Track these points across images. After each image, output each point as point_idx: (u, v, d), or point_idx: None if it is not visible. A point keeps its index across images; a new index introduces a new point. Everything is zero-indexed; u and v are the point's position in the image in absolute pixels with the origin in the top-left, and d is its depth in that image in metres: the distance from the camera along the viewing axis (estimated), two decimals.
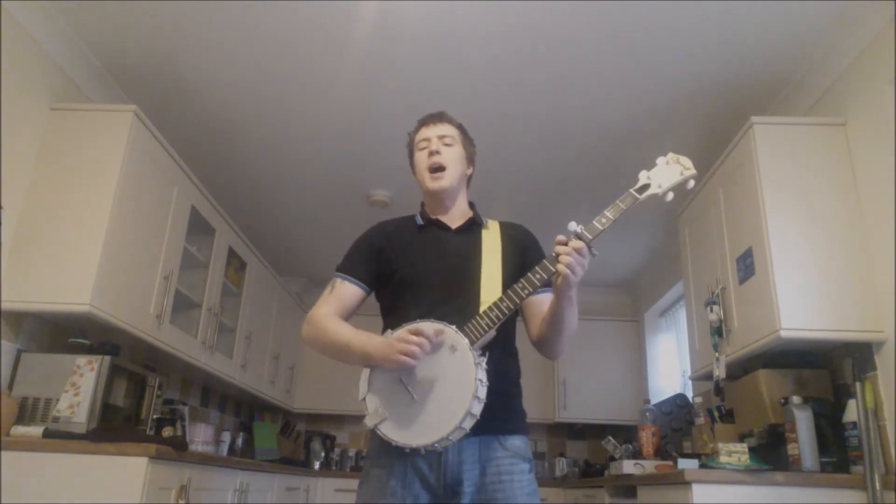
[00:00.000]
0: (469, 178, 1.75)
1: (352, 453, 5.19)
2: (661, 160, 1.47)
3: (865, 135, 2.39)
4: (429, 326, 1.40)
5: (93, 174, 2.54)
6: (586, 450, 5.28)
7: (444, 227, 1.67)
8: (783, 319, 2.29)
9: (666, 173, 1.45)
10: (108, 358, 2.48)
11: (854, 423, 2.19)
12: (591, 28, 2.49)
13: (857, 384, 2.21)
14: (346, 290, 1.61)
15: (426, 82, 2.86)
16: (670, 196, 1.44)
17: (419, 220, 1.70)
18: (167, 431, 2.80)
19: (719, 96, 2.87)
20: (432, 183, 1.64)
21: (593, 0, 2.36)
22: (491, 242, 1.63)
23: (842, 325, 2.29)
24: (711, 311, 2.76)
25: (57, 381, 2.41)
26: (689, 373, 3.35)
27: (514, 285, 1.41)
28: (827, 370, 2.50)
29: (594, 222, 1.38)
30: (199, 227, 3.39)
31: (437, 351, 1.38)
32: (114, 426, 2.37)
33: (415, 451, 1.37)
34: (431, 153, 1.65)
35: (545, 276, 1.39)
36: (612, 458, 3.63)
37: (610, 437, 3.73)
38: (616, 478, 3.33)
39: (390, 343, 1.38)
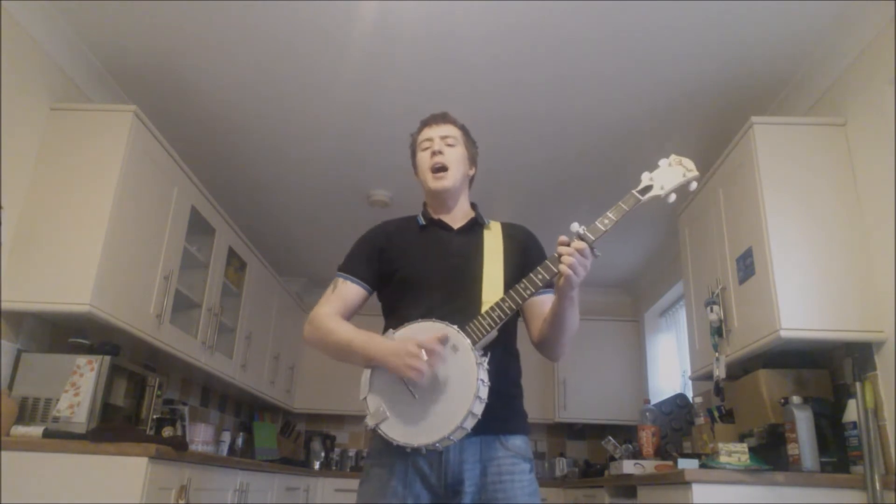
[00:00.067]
0: (471, 179, 1.76)
1: (352, 453, 5.19)
2: (663, 162, 1.47)
3: (865, 135, 2.39)
4: (431, 329, 1.40)
5: (93, 174, 2.54)
6: (586, 450, 5.28)
7: (446, 228, 1.67)
8: (783, 319, 2.29)
9: (668, 175, 1.45)
10: (108, 358, 2.48)
11: (854, 423, 2.19)
12: (591, 28, 2.49)
13: (857, 384, 2.21)
14: (349, 290, 1.61)
15: (426, 82, 2.86)
16: (672, 197, 1.45)
17: (421, 221, 1.70)
18: (167, 431, 2.80)
19: (719, 96, 2.87)
20: (434, 183, 1.64)
21: (593, 0, 2.36)
22: (493, 243, 1.63)
23: (842, 325, 2.29)
24: (711, 311, 2.76)
25: (57, 381, 2.41)
26: (689, 373, 3.35)
27: (517, 285, 1.41)
28: (827, 370, 2.50)
29: (596, 223, 1.38)
30: (199, 227, 3.39)
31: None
32: (114, 426, 2.37)
33: (416, 451, 1.37)
34: (434, 153, 1.65)
35: (547, 277, 1.39)
36: (612, 458, 3.63)
37: (610, 437, 3.73)
38: (616, 478, 3.33)
39: (397, 352, 1.38)
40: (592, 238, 1.36)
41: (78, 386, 2.40)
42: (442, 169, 1.64)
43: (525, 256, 1.63)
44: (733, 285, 2.68)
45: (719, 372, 2.66)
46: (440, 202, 1.69)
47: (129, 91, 3.00)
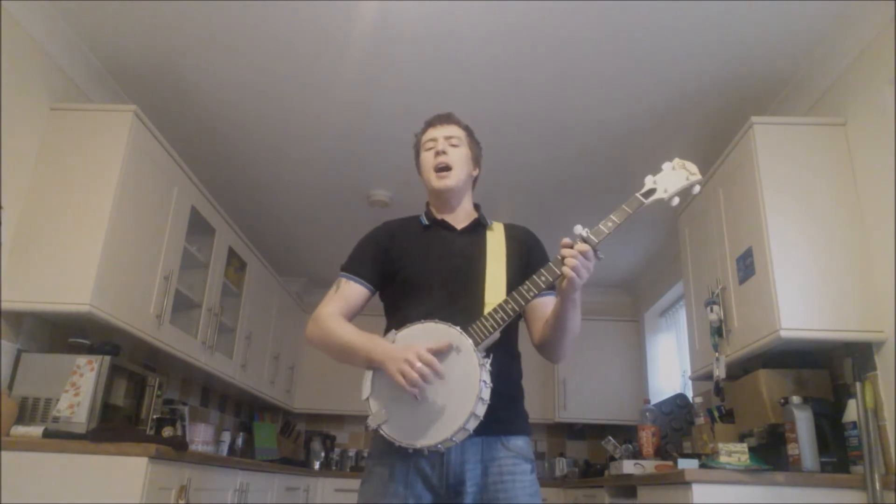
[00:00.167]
0: (475, 180, 1.76)
1: (352, 453, 5.19)
2: (666, 165, 1.48)
3: (865, 135, 2.39)
4: (434, 330, 1.40)
5: (93, 174, 2.54)
6: (586, 450, 5.28)
7: (449, 228, 1.67)
8: (783, 319, 2.29)
9: (672, 178, 1.46)
10: (108, 358, 2.48)
11: (854, 423, 2.19)
12: (591, 28, 2.49)
13: (857, 384, 2.21)
14: (352, 290, 1.61)
15: (426, 82, 2.86)
16: (676, 201, 1.45)
17: (424, 221, 1.70)
18: (167, 431, 2.80)
19: (719, 96, 2.87)
20: (438, 182, 1.65)
21: (593, 0, 2.36)
22: (495, 244, 1.64)
23: (842, 325, 2.29)
24: (711, 311, 2.76)
25: (57, 381, 2.41)
26: (689, 373, 3.35)
27: (520, 287, 1.41)
28: (827, 370, 2.50)
29: (600, 226, 1.39)
30: (199, 227, 3.39)
31: (441, 353, 1.38)
32: (114, 426, 2.37)
33: (418, 452, 1.37)
34: (438, 153, 1.65)
35: (550, 279, 1.40)
36: (612, 458, 3.63)
37: (610, 437, 3.73)
38: (616, 478, 3.33)
39: (395, 357, 1.37)
40: (596, 241, 1.37)
41: (78, 386, 2.40)
42: (445, 168, 1.64)
43: (528, 257, 1.63)
44: (733, 285, 2.68)
45: (719, 372, 2.66)
46: (443, 202, 1.69)
47: (129, 91, 3.00)
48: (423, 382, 1.33)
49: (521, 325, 1.63)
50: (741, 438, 2.54)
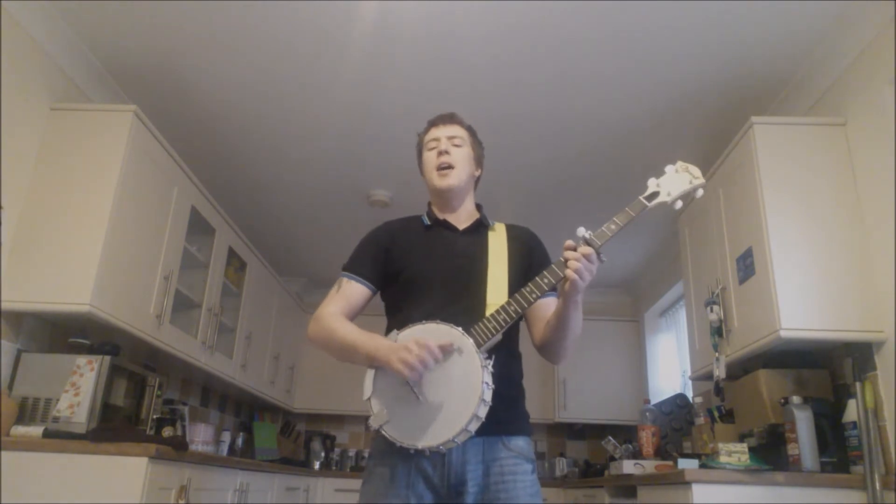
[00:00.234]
0: (477, 180, 1.76)
1: (352, 453, 5.19)
2: (669, 168, 1.48)
3: (865, 135, 2.39)
4: (436, 331, 1.40)
5: (93, 174, 2.54)
6: (586, 450, 5.28)
7: (451, 228, 1.67)
8: (783, 319, 2.29)
9: (675, 181, 1.46)
10: (108, 358, 2.48)
11: (854, 423, 2.19)
12: (591, 28, 2.49)
13: (857, 384, 2.21)
14: (353, 290, 1.61)
15: (426, 82, 2.86)
16: (679, 204, 1.45)
17: (426, 221, 1.70)
18: (167, 431, 2.80)
19: (719, 96, 2.87)
20: (440, 181, 1.64)
21: (593, 0, 2.36)
22: (497, 244, 1.64)
23: (842, 325, 2.29)
24: (711, 311, 2.76)
25: (57, 381, 2.41)
26: (689, 373, 3.35)
27: (522, 289, 1.41)
28: (827, 370, 2.50)
29: (603, 228, 1.39)
30: (199, 227, 3.39)
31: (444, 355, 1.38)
32: (114, 426, 2.37)
33: (419, 453, 1.37)
34: (441, 153, 1.65)
35: (553, 281, 1.40)
36: (612, 458, 3.63)
37: (610, 437, 3.73)
38: (616, 478, 3.33)
39: (394, 349, 1.38)
40: (599, 243, 1.37)
41: (78, 386, 2.40)
42: (448, 168, 1.64)
43: (529, 258, 1.64)
44: (733, 285, 2.68)
45: (719, 372, 2.66)
46: (445, 202, 1.69)
47: (129, 91, 3.00)
48: (423, 367, 1.33)
49: (522, 326, 1.63)
50: (741, 438, 2.54)
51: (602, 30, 2.50)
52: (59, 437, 2.21)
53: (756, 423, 2.50)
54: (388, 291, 1.66)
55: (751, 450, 2.27)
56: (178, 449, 2.36)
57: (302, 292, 5.64)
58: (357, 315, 1.62)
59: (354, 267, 1.64)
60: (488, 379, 1.34)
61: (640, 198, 1.44)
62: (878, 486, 2.04)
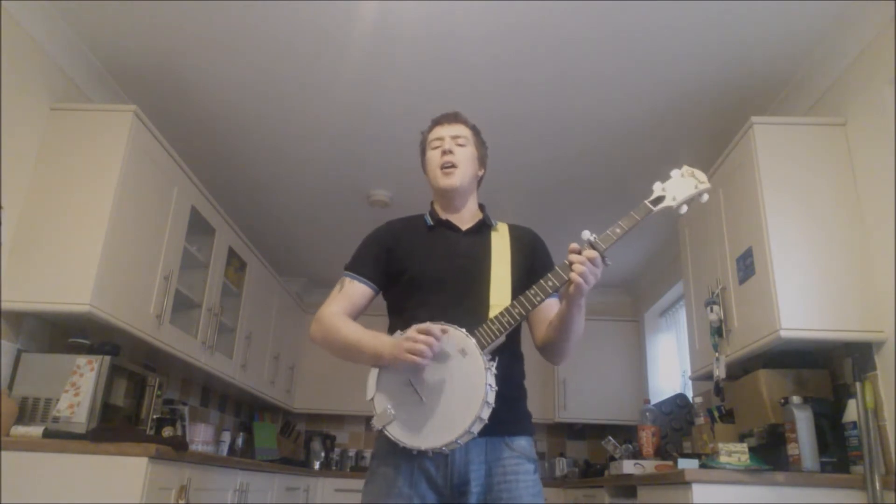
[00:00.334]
0: (480, 180, 1.76)
1: (352, 453, 5.19)
2: (675, 172, 1.48)
3: (865, 135, 2.39)
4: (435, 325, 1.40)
5: (93, 174, 2.54)
6: (586, 450, 5.28)
7: (454, 228, 1.67)
8: (783, 319, 2.29)
9: (680, 186, 1.46)
10: (108, 358, 2.48)
11: (854, 423, 2.19)
12: (591, 28, 2.49)
13: (857, 384, 2.21)
14: (355, 290, 1.61)
15: (426, 82, 2.86)
16: (684, 209, 1.46)
17: (429, 221, 1.69)
18: (167, 431, 2.80)
19: (719, 96, 2.87)
20: (443, 180, 1.64)
21: (593, 0, 2.36)
22: (500, 245, 1.64)
23: (842, 325, 2.29)
24: (711, 311, 2.76)
25: (57, 381, 2.41)
26: (689, 373, 3.35)
27: (526, 292, 1.41)
28: (827, 370, 2.50)
29: (608, 232, 1.40)
30: (199, 227, 3.39)
31: (446, 355, 1.38)
32: (114, 426, 2.37)
33: (422, 453, 1.37)
34: (444, 152, 1.65)
35: (558, 284, 1.40)
36: (612, 458, 3.63)
37: (610, 437, 3.73)
38: (616, 478, 3.33)
39: (399, 343, 1.38)
40: (604, 247, 1.37)
41: (78, 386, 2.40)
42: (451, 167, 1.64)
43: (532, 259, 1.63)
44: (733, 285, 2.68)
45: (719, 372, 2.66)
46: (448, 201, 1.68)
47: (129, 91, 3.00)
48: (431, 350, 1.33)
49: (524, 327, 1.62)
50: (741, 438, 2.54)
51: (602, 30, 2.50)
52: (59, 437, 2.21)
53: (756, 423, 2.50)
54: (390, 291, 1.66)
55: (751, 450, 2.27)
56: (178, 449, 2.36)
57: (302, 292, 5.64)
58: (359, 315, 1.61)
59: (357, 267, 1.64)
60: (491, 381, 1.34)
61: (646, 202, 1.45)
62: (878, 486, 2.04)
